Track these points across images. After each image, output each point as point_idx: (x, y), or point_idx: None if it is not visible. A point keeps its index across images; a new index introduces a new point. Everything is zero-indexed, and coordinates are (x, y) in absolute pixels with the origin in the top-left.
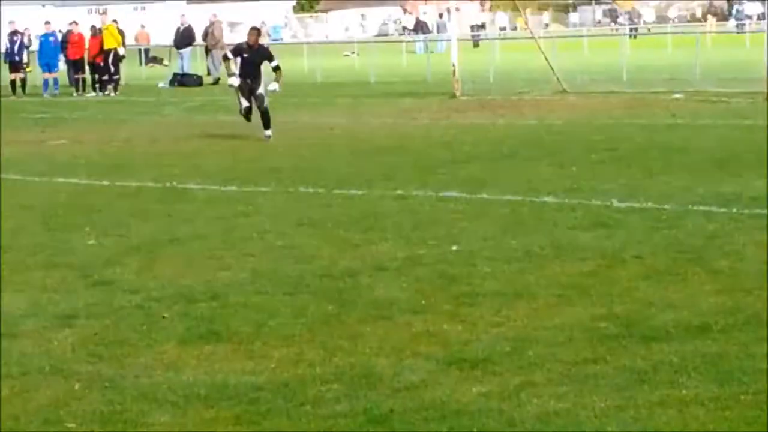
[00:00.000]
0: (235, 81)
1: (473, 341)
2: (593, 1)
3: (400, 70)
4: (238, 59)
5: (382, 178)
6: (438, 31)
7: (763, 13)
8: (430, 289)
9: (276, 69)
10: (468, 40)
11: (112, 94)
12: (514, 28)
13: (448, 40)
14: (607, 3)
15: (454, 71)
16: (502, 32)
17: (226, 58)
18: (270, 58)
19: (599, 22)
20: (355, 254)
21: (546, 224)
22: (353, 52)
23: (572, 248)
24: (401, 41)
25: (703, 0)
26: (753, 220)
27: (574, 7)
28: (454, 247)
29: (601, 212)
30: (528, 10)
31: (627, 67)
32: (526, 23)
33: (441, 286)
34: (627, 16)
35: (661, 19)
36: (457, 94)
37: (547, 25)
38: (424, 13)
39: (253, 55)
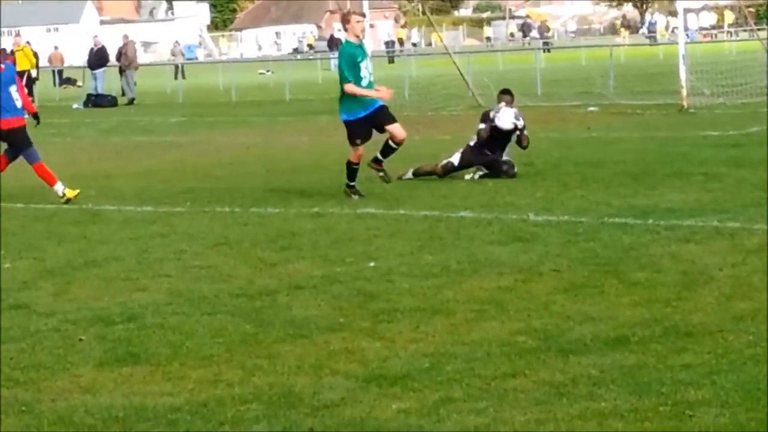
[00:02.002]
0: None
1: (392, 358)
2: (507, 16)
3: (315, 87)
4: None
5: (299, 196)
6: None
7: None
8: (347, 307)
9: None
10: (383, 56)
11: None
12: (429, 44)
13: None
14: (520, 17)
15: None
16: (416, 48)
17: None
18: None
19: (512, 36)
20: (272, 273)
21: (463, 239)
22: (268, 71)
23: (489, 263)
24: (316, 59)
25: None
26: (669, 232)
27: (489, 22)
28: (372, 264)
29: (517, 226)
30: (443, 26)
31: (541, 81)
32: (441, 39)
33: (359, 303)
34: (538, 30)
35: (579, 32)
36: None
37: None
38: (339, 30)
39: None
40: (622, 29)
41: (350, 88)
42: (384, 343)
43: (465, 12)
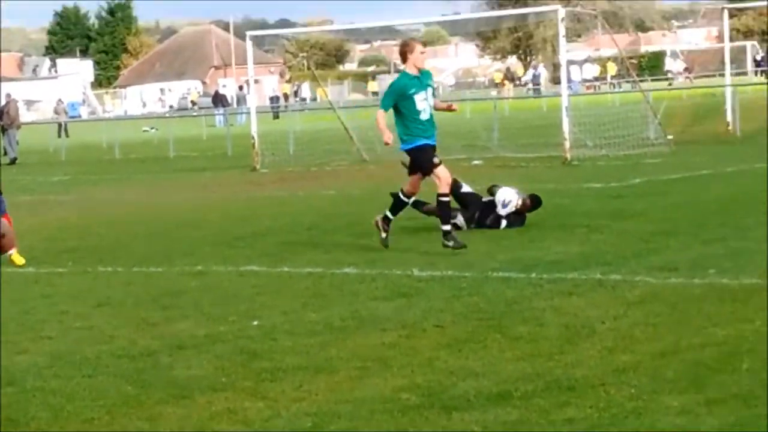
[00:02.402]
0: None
1: (274, 418)
2: (392, 70)
3: (200, 144)
4: None
5: (182, 255)
6: (237, 104)
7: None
8: (230, 366)
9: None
10: (268, 112)
11: None
12: (314, 99)
13: (248, 112)
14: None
15: (253, 144)
16: (302, 102)
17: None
18: None
19: None
20: (154, 333)
21: (347, 296)
22: (152, 128)
23: (373, 319)
24: (200, 115)
25: (501, 65)
26: (552, 285)
27: (373, 77)
28: (255, 323)
29: (402, 282)
30: (328, 80)
31: None
32: (326, 93)
33: (242, 362)
34: None
35: (460, 85)
36: (258, 167)
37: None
38: (224, 86)
39: None
40: (506, 82)
41: (378, 115)
42: (267, 402)
43: (350, 66)
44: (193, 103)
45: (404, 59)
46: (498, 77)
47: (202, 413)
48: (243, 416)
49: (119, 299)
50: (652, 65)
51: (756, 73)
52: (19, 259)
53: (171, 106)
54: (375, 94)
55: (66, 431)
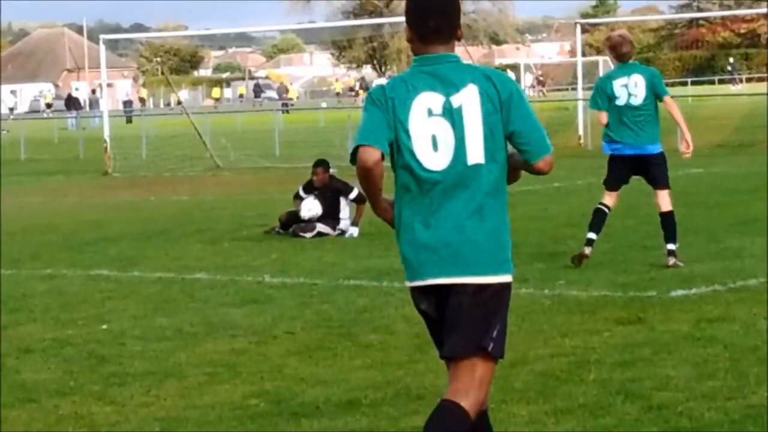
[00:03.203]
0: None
1: (122, 422)
2: (246, 77)
3: (51, 146)
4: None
5: (30, 258)
6: (90, 108)
7: None
8: (78, 370)
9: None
10: (121, 116)
11: None
12: (168, 104)
13: (100, 116)
14: (260, 78)
15: (106, 148)
16: (156, 108)
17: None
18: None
19: (241, 96)
20: (1, 336)
21: (197, 302)
22: (4, 130)
23: (223, 325)
24: (53, 118)
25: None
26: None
27: (228, 83)
28: (104, 327)
29: (253, 288)
30: (182, 86)
31: (280, 143)
32: (179, 99)
33: (90, 366)
34: (277, 91)
35: (313, 94)
36: (110, 171)
37: (217, 100)
38: (77, 89)
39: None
40: (361, 91)
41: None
42: (114, 407)
43: (205, 72)
44: (48, 105)
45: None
46: (351, 82)
47: (49, 417)
48: (90, 420)
49: None
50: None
51: None
52: None
53: (44, 106)
54: (228, 100)
55: None
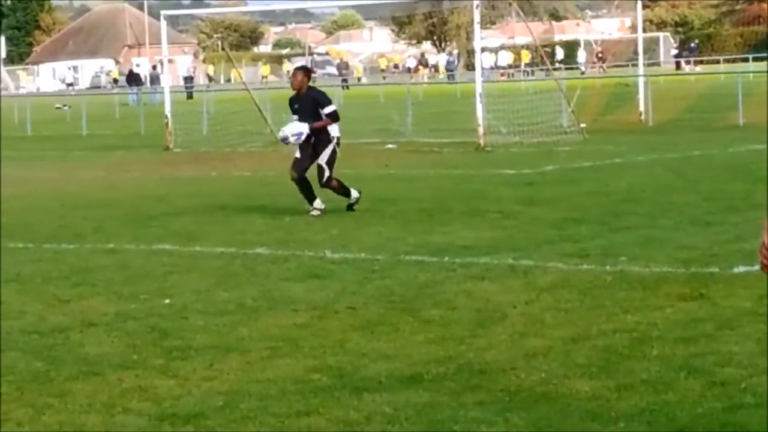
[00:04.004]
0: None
1: (185, 396)
2: (306, 53)
3: (112, 122)
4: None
5: (93, 232)
6: (151, 83)
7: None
8: (141, 344)
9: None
10: (182, 92)
11: None
12: (228, 80)
13: (162, 92)
14: (320, 54)
15: (167, 124)
16: (215, 83)
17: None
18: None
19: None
20: (65, 310)
21: (258, 276)
22: (65, 105)
23: (285, 300)
24: (114, 93)
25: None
26: (464, 269)
27: (288, 59)
28: (167, 301)
29: (313, 263)
30: (242, 62)
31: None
32: (240, 75)
33: (152, 340)
34: (337, 67)
35: (373, 70)
36: (171, 146)
37: (264, 78)
38: (137, 65)
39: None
40: (420, 67)
41: None
42: (177, 380)
43: (265, 48)
44: (116, 81)
45: None
46: (398, 59)
47: (113, 390)
48: (153, 394)
49: (29, 275)
50: (566, 54)
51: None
52: None
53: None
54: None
55: None
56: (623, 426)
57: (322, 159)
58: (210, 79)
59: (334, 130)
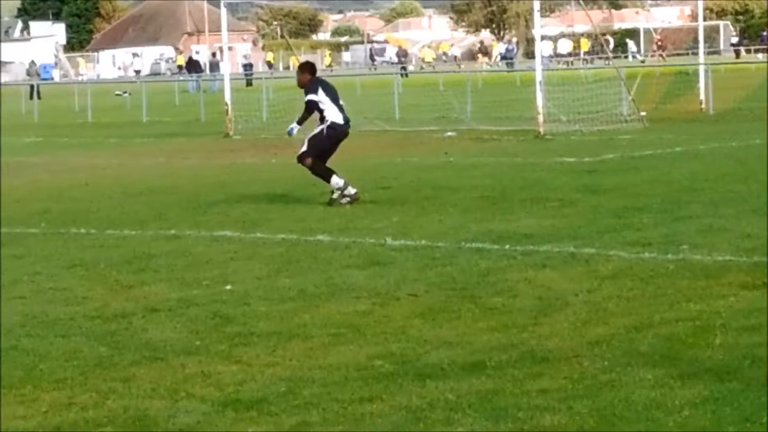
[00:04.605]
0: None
1: (248, 381)
2: (365, 40)
3: (172, 109)
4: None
5: (155, 219)
6: (210, 70)
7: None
8: (203, 330)
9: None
10: (241, 79)
11: None
12: (287, 67)
13: (221, 79)
14: (379, 42)
15: (227, 110)
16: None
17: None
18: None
19: (373, 60)
20: (127, 295)
21: (320, 263)
22: (125, 92)
23: (346, 287)
24: (174, 80)
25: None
26: (525, 257)
27: (347, 47)
28: (228, 287)
29: (375, 251)
30: (301, 49)
31: (399, 106)
32: (299, 62)
33: (215, 326)
34: (395, 55)
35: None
36: (231, 133)
37: (330, 66)
38: (197, 52)
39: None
40: (480, 55)
41: None
42: (240, 366)
43: (323, 36)
44: (180, 67)
45: None
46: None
47: (176, 375)
48: (216, 380)
49: (92, 261)
50: (623, 42)
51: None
52: None
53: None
54: (347, 64)
55: (39, 390)
56: (687, 414)
57: (309, 135)
58: (269, 66)
59: (331, 115)
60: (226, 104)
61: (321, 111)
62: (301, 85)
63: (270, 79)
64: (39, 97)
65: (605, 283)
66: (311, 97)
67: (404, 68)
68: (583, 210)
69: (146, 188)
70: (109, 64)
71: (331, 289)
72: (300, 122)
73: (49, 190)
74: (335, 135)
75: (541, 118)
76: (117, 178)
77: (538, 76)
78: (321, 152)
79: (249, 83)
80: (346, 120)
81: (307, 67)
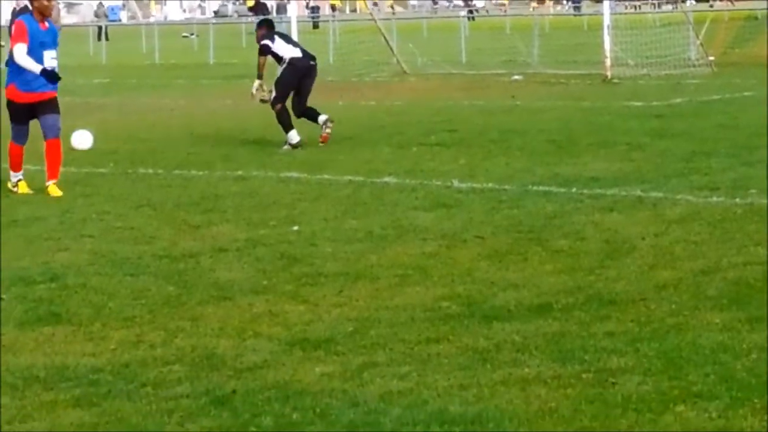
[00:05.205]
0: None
1: (315, 321)
2: None
3: (239, 51)
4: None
5: (222, 160)
6: (277, 13)
7: None
8: (271, 270)
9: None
10: (308, 21)
11: None
12: (354, 10)
13: (288, 21)
14: None
15: None
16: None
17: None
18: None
19: (436, 4)
20: (195, 235)
21: (387, 205)
22: (192, 34)
23: (413, 229)
24: (241, 23)
25: None
26: (592, 201)
27: None
28: (295, 228)
29: (441, 193)
30: None
31: (466, 50)
32: (366, 6)
33: (282, 266)
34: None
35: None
36: None
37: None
38: None
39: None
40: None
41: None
42: (308, 306)
43: None
44: (250, 8)
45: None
46: None
47: (244, 315)
48: (284, 319)
49: (160, 201)
50: None
51: None
52: (55, 191)
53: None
54: (414, 8)
55: (107, 328)
56: (755, 357)
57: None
58: (333, 9)
59: (288, 52)
60: None
61: (276, 54)
62: (258, 40)
63: (336, 22)
64: (107, 39)
65: (672, 227)
66: (265, 41)
67: (471, 11)
68: (650, 154)
69: (213, 130)
70: (177, 6)
71: (398, 231)
72: (259, 76)
73: (117, 130)
74: (295, 70)
75: (608, 62)
76: (184, 119)
77: (606, 20)
78: (288, 92)
79: (315, 26)
80: (308, 55)
81: (265, 24)
